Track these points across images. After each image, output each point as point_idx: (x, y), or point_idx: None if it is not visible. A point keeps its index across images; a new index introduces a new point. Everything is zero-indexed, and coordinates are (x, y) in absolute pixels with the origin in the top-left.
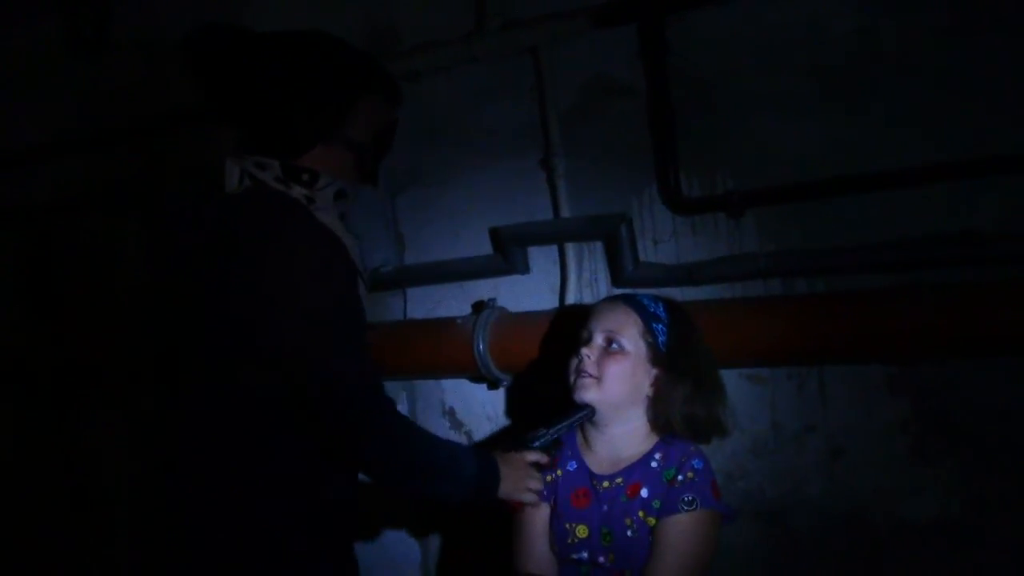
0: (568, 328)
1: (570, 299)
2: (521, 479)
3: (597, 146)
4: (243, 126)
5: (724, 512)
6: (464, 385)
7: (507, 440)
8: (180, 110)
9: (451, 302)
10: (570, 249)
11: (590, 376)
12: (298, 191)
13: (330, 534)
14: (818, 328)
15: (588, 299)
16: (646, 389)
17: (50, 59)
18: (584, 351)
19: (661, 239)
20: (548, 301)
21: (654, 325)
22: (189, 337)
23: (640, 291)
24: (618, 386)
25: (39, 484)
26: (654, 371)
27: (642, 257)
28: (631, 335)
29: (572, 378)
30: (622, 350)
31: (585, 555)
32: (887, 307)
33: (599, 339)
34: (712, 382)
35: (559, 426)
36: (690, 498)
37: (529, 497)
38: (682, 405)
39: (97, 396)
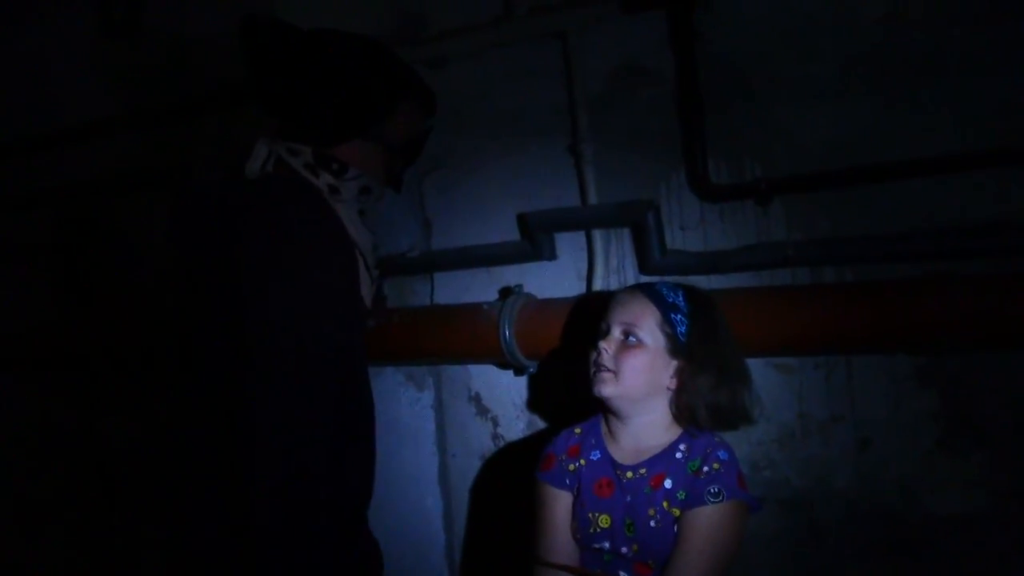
0: (594, 315)
1: (597, 286)
2: None
3: (625, 132)
4: (285, 113)
5: (750, 503)
6: (491, 371)
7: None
8: (209, 95)
9: (478, 287)
10: (597, 236)
11: (607, 370)
12: (324, 179)
13: (348, 521)
14: (846, 318)
15: (615, 286)
16: (667, 380)
17: (83, 43)
18: (602, 344)
19: (688, 226)
20: (575, 288)
21: (672, 315)
22: (201, 324)
23: (663, 279)
24: (636, 379)
25: (64, 473)
26: (674, 362)
27: (669, 244)
28: (649, 327)
29: (591, 371)
30: (640, 343)
31: (607, 544)
32: (916, 297)
33: (616, 332)
34: (736, 369)
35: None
36: (716, 490)
37: None
38: (706, 396)
39: (124, 383)
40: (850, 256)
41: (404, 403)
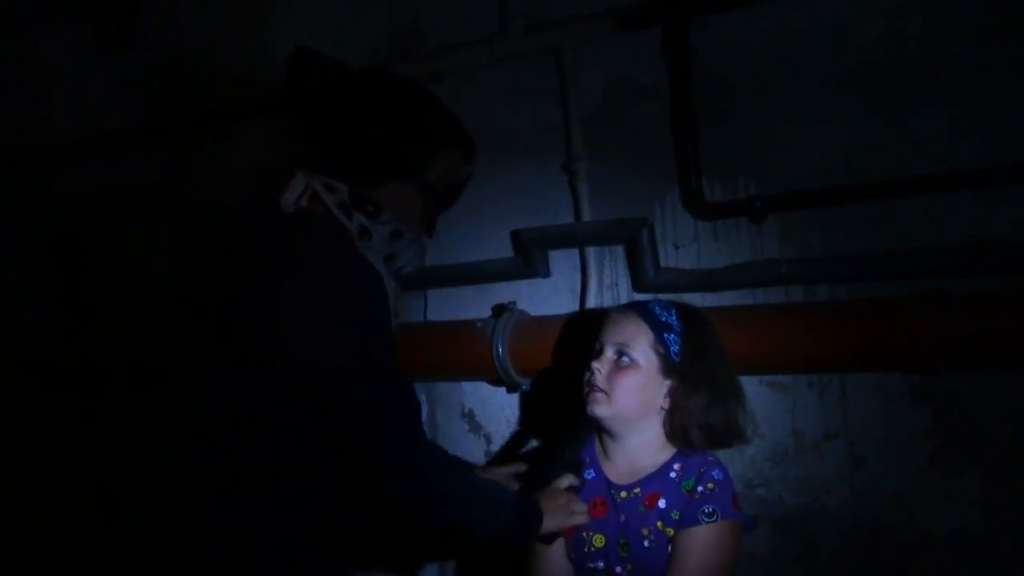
0: (588, 333)
1: (591, 303)
2: (564, 507)
3: (619, 150)
4: (326, 148)
5: (744, 523)
6: (483, 388)
7: (533, 476)
8: (208, 111)
9: (472, 304)
10: (591, 253)
11: (600, 391)
12: (357, 220)
13: (327, 560)
14: (840, 335)
15: (609, 303)
16: (660, 400)
17: (80, 57)
18: (595, 365)
19: (682, 244)
20: (569, 305)
21: (665, 335)
22: (210, 353)
23: (657, 297)
24: (629, 400)
25: (55, 484)
26: (667, 382)
27: (663, 262)
28: (641, 347)
29: (585, 391)
30: (632, 363)
31: (602, 564)
32: (910, 315)
33: (610, 352)
34: (730, 387)
35: (569, 449)
36: (710, 509)
37: (580, 518)
38: (699, 416)
39: (116, 398)
40: (844, 274)
41: None
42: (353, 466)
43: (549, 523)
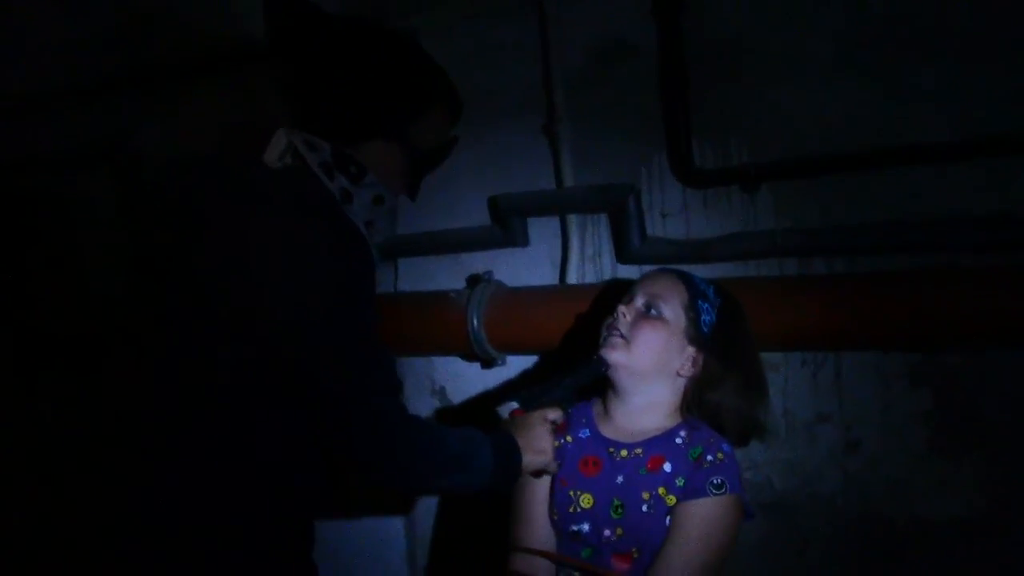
0: (571, 306)
1: (571, 275)
2: (539, 443)
3: (604, 112)
4: (307, 103)
5: (746, 507)
6: (456, 363)
7: (518, 396)
8: (161, 67)
9: (444, 275)
10: (573, 221)
11: (620, 336)
12: (339, 183)
13: (296, 533)
14: (836, 311)
15: (591, 275)
16: (677, 364)
17: (29, 13)
18: (621, 308)
19: (670, 212)
20: (548, 276)
21: (700, 302)
22: (178, 312)
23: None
24: (648, 352)
25: None
26: (690, 349)
27: (649, 232)
28: (673, 304)
29: (602, 336)
30: (660, 316)
31: (587, 527)
32: (912, 291)
33: (639, 301)
34: (760, 379)
35: (573, 376)
36: (719, 481)
37: (553, 466)
38: (732, 397)
39: (62, 368)
40: (842, 246)
41: None
42: (330, 437)
43: (527, 461)
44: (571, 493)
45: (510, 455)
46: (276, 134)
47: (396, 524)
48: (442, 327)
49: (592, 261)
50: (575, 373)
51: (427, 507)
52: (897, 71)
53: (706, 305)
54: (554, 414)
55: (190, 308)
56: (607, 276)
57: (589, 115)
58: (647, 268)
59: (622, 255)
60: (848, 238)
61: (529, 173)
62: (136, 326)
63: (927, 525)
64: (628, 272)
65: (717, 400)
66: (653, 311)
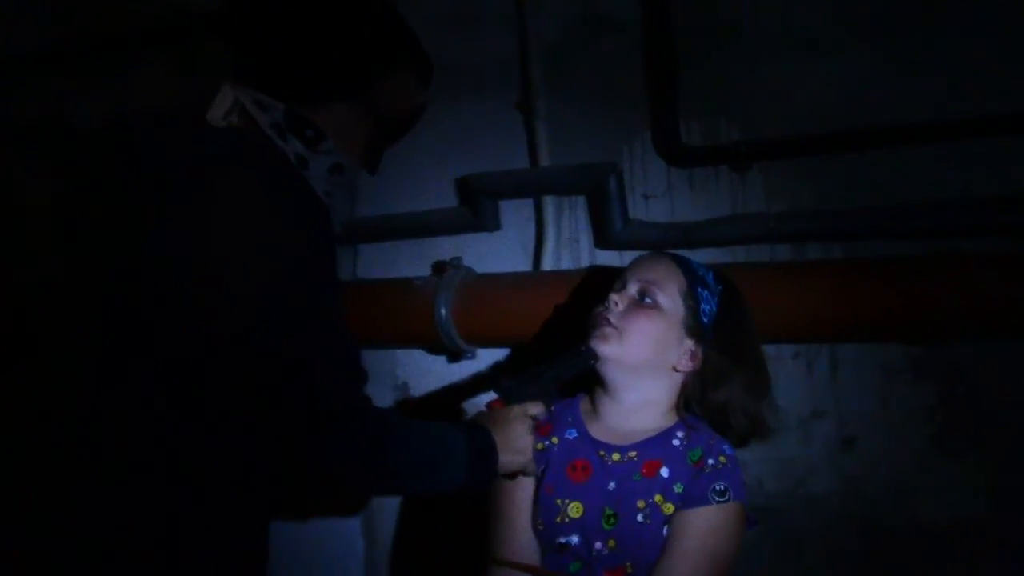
0: (551, 294)
1: (546, 261)
2: (518, 442)
3: (583, 87)
4: (259, 58)
5: (749, 517)
6: (420, 356)
7: (497, 386)
8: (101, 38)
9: (408, 261)
10: (549, 203)
11: (612, 327)
12: (293, 147)
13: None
14: (833, 300)
15: (567, 262)
16: (674, 359)
17: None
18: (613, 296)
19: (653, 194)
20: (520, 263)
21: (700, 290)
22: (115, 298)
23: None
24: (642, 345)
25: None
26: (688, 342)
27: (630, 215)
28: (671, 292)
29: (590, 325)
30: (656, 305)
31: (576, 539)
32: (913, 278)
33: (632, 289)
34: (764, 376)
35: (559, 368)
36: (722, 487)
37: (531, 468)
38: (743, 397)
39: None
40: (839, 231)
41: None
42: (285, 435)
43: (504, 461)
44: (558, 501)
45: (486, 454)
46: (221, 89)
47: (352, 526)
48: (406, 317)
49: (568, 246)
50: (561, 365)
51: (388, 506)
52: (899, 45)
53: (706, 293)
54: (536, 409)
55: (127, 292)
56: (584, 262)
57: (568, 90)
58: (628, 254)
59: (601, 240)
60: (845, 222)
61: (501, 152)
62: (62, 314)
63: (928, 528)
64: (607, 258)
65: (723, 399)
66: (648, 299)
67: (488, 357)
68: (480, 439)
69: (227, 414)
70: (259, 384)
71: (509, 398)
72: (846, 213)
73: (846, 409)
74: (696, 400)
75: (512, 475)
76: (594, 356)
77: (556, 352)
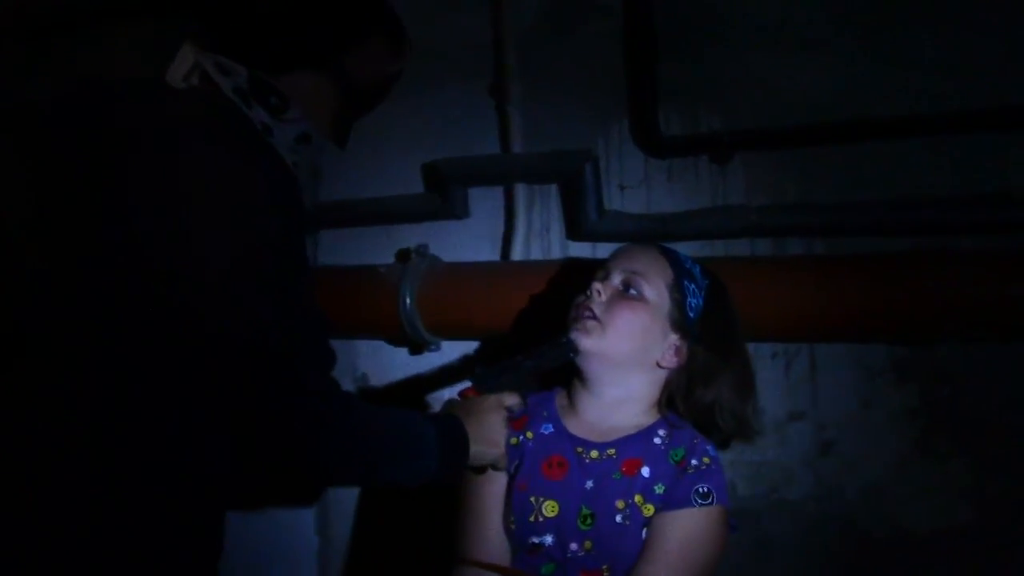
0: (523, 285)
1: (516, 252)
2: (491, 433)
3: (560, 72)
4: (223, 20)
5: (731, 522)
6: (382, 348)
7: (472, 374)
8: (53, 15)
9: (372, 249)
10: (520, 192)
11: (593, 318)
12: (257, 115)
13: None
14: (814, 297)
15: (537, 253)
16: (658, 354)
17: None
18: (596, 285)
19: (629, 185)
20: (488, 254)
21: (686, 283)
22: (66, 278)
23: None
24: (626, 338)
25: None
26: (673, 336)
27: (606, 206)
28: (656, 284)
29: (571, 316)
30: (641, 297)
31: (550, 539)
32: (899, 276)
33: (616, 279)
34: (750, 375)
35: (536, 360)
36: (705, 489)
37: (503, 462)
38: (730, 397)
39: None
40: (822, 226)
41: None
42: (244, 419)
43: (471, 455)
44: (532, 499)
45: (458, 444)
46: (181, 50)
47: (306, 522)
48: (368, 305)
49: (540, 237)
50: (538, 356)
51: (344, 501)
52: (887, 35)
53: (692, 286)
54: (511, 400)
55: (80, 270)
56: (555, 254)
57: (543, 76)
58: (602, 246)
59: (574, 231)
60: (829, 217)
61: (472, 138)
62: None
63: (908, 536)
64: (580, 250)
65: (711, 398)
66: (633, 290)
67: (452, 351)
68: (452, 428)
69: (185, 395)
70: (221, 362)
71: (483, 387)
72: (830, 207)
73: (825, 411)
74: (681, 398)
75: (481, 469)
76: (574, 349)
77: (533, 344)
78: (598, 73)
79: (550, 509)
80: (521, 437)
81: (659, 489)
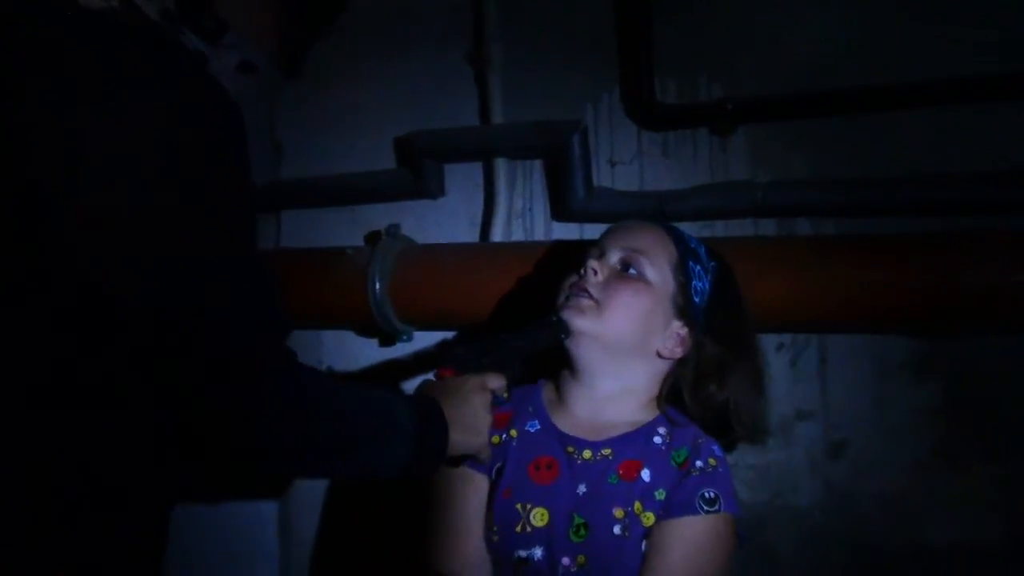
0: (505, 269)
1: (496, 233)
2: (473, 419)
3: (544, 35)
4: None
5: (739, 531)
6: (348, 338)
7: (450, 355)
8: None
9: (339, 231)
10: (501, 167)
11: (589, 298)
12: (189, 41)
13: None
14: (825, 283)
15: (518, 234)
16: (658, 343)
17: None
18: (592, 263)
19: (621, 160)
20: (465, 235)
21: (691, 263)
22: None
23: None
24: (625, 320)
25: None
26: (676, 323)
27: (594, 183)
28: (659, 264)
29: (562, 297)
30: (642, 277)
31: (539, 553)
32: (920, 260)
33: (614, 257)
34: (762, 370)
35: (523, 340)
36: (711, 495)
37: (485, 454)
38: (744, 391)
39: None
40: (835, 204)
41: None
42: (186, 390)
43: (455, 440)
44: (519, 507)
45: (435, 429)
46: None
47: (266, 522)
48: (334, 292)
49: (521, 217)
50: (525, 336)
51: (308, 498)
52: None
53: (698, 268)
54: (496, 382)
55: None
56: (539, 236)
57: (526, 39)
58: (590, 227)
59: (559, 210)
60: (842, 194)
61: (448, 108)
62: None
63: (926, 552)
64: (565, 232)
65: (725, 397)
66: (633, 270)
67: (426, 341)
68: (430, 411)
69: (118, 376)
70: (154, 333)
71: (464, 367)
72: (843, 184)
73: (836, 410)
74: (689, 394)
75: (457, 461)
76: (565, 330)
77: (516, 326)
78: (586, 35)
79: (539, 518)
80: (504, 436)
81: (660, 495)
